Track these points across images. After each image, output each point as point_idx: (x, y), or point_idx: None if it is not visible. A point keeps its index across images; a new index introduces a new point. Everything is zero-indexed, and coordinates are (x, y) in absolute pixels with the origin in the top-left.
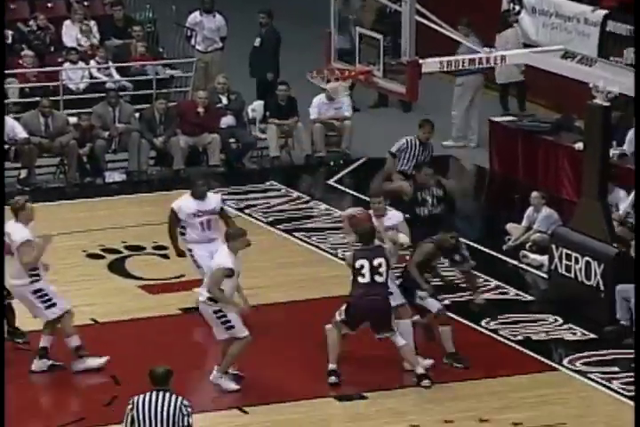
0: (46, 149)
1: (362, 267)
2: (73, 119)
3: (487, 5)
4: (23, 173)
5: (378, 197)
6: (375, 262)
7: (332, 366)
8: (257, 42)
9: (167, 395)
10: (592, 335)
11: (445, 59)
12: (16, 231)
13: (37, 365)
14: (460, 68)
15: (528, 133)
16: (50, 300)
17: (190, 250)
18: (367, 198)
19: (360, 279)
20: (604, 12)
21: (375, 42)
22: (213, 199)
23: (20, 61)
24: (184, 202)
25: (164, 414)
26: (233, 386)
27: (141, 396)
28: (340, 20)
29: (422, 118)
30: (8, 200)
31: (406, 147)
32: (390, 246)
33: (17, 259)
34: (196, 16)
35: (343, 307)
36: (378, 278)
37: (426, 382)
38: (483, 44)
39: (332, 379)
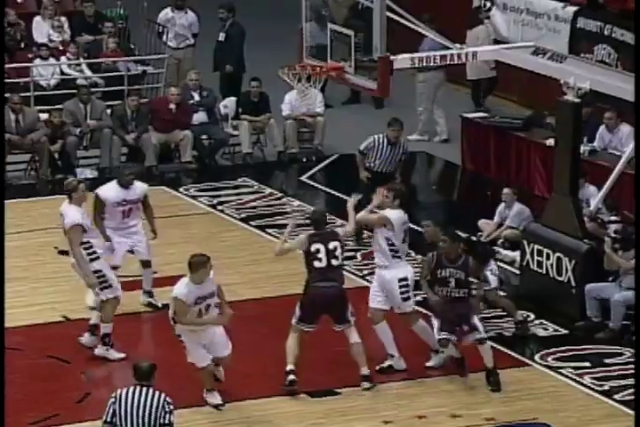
0: (17, 146)
1: (317, 251)
2: (44, 116)
3: (458, 2)
4: None
5: (390, 192)
6: (331, 246)
7: (290, 366)
8: (221, 37)
9: (150, 391)
10: (564, 331)
11: (417, 55)
12: (69, 213)
13: (87, 339)
14: (432, 64)
15: (499, 130)
16: (106, 281)
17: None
18: (339, 194)
19: (316, 264)
20: (574, 8)
21: (347, 38)
22: (139, 188)
23: None
24: (110, 190)
25: (147, 409)
26: (219, 401)
27: (124, 390)
28: (312, 15)
29: (392, 117)
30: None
31: (373, 145)
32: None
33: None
34: (167, 12)
35: (296, 307)
36: (334, 262)
37: (365, 384)
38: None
39: (291, 377)
